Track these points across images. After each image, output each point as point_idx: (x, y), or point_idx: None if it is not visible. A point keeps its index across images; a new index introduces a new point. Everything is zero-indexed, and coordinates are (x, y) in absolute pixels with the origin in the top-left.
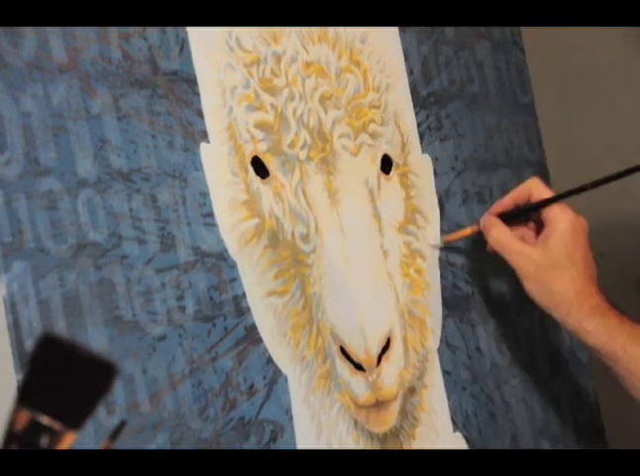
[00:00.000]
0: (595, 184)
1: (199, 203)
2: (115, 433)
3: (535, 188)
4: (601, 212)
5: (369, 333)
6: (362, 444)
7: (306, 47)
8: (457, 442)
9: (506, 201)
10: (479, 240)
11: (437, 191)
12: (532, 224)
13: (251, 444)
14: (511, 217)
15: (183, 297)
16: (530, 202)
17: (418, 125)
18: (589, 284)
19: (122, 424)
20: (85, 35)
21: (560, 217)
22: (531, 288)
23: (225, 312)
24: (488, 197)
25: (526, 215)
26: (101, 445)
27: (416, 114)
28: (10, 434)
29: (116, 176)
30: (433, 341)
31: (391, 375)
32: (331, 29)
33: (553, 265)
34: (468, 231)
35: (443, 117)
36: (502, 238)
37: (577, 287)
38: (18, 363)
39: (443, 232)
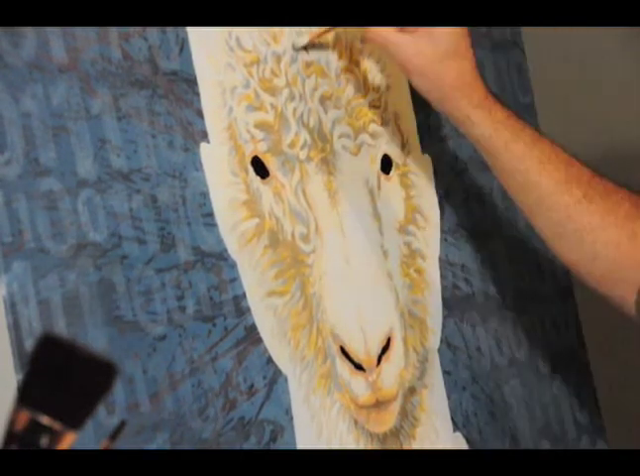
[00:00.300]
0: None
1: (199, 203)
2: (115, 433)
3: None
4: None
5: (369, 333)
6: (362, 444)
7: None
8: (457, 442)
9: None
10: (478, 239)
11: (437, 191)
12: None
13: (251, 444)
14: None
15: (183, 296)
16: None
17: (418, 125)
18: (477, 76)
19: (122, 424)
20: (85, 35)
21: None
22: (418, 82)
23: (225, 312)
24: (488, 197)
25: None
26: (101, 445)
27: (416, 114)
28: (10, 434)
29: (116, 176)
30: (433, 341)
31: (391, 375)
32: None
33: (441, 56)
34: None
35: (443, 117)
36: (385, 32)
37: (466, 79)
38: (18, 363)
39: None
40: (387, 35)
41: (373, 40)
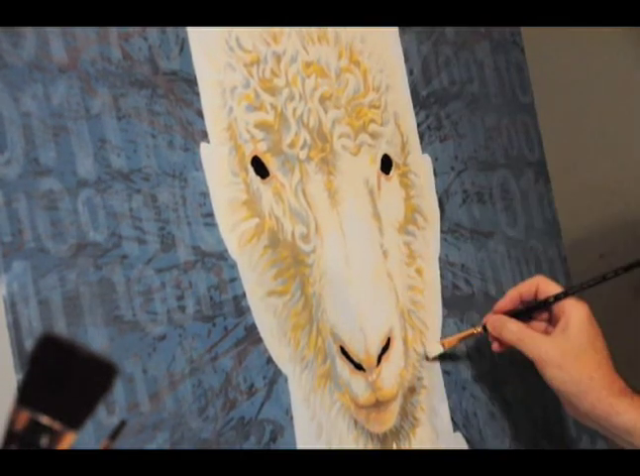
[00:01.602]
0: (607, 278)
1: (199, 203)
2: (115, 433)
3: (542, 284)
4: (601, 212)
5: (369, 333)
6: (361, 444)
7: (306, 47)
8: (457, 442)
9: (513, 294)
10: (478, 239)
11: (437, 191)
12: (540, 317)
13: (251, 444)
14: (518, 314)
15: (183, 296)
16: (539, 299)
17: (418, 125)
18: (613, 369)
19: (122, 424)
20: (85, 35)
21: (575, 307)
22: (555, 375)
23: (225, 312)
24: (488, 197)
25: (535, 311)
26: (101, 445)
27: (416, 114)
28: (10, 434)
29: (116, 175)
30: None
31: (391, 375)
32: (331, 29)
33: (578, 352)
34: (470, 332)
35: (443, 117)
36: (520, 331)
37: (604, 371)
38: (18, 363)
39: (442, 337)
40: (520, 331)
41: (508, 338)
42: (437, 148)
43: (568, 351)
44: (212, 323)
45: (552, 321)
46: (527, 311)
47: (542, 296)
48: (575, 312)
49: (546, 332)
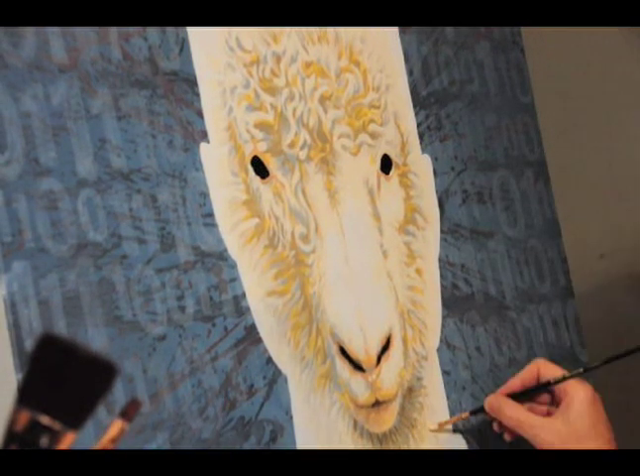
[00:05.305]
0: (607, 361)
1: (199, 203)
2: (125, 412)
3: (543, 367)
4: (601, 212)
5: (368, 333)
6: (361, 444)
7: (306, 47)
8: (457, 442)
9: (515, 382)
10: (478, 239)
11: (437, 191)
12: (542, 399)
13: (251, 444)
14: (519, 396)
15: (183, 296)
16: (541, 381)
17: (418, 125)
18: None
19: (134, 403)
20: (85, 35)
21: (578, 388)
22: None
23: (225, 312)
24: (488, 197)
25: (535, 394)
26: (113, 424)
27: (416, 114)
28: (10, 434)
29: (116, 175)
30: (433, 341)
31: (391, 375)
32: (331, 29)
33: (578, 436)
34: (465, 415)
35: (443, 117)
36: (518, 414)
37: None
38: (18, 363)
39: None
40: (520, 416)
41: (506, 423)
42: (437, 148)
43: (568, 435)
44: (212, 323)
45: (554, 402)
46: (527, 393)
47: (543, 379)
48: (576, 394)
49: (548, 414)
